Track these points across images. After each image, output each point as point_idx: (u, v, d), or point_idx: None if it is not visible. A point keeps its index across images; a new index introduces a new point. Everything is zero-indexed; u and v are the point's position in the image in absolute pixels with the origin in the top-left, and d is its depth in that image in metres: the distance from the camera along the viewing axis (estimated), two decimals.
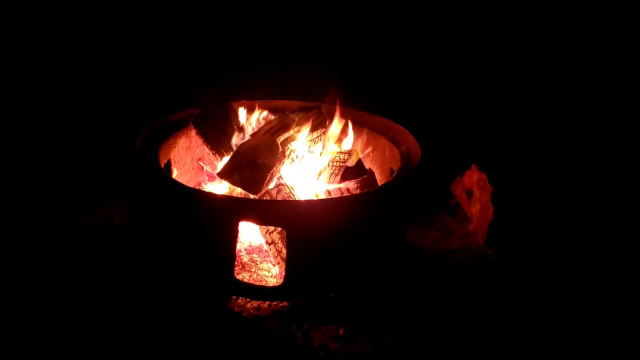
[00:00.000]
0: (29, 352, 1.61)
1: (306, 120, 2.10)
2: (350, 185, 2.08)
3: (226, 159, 2.03)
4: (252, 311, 1.81)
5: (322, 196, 2.08)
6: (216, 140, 2.11)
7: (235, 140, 2.12)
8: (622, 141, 2.74)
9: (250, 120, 2.22)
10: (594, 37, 2.91)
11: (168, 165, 2.10)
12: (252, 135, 2.07)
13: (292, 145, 2.03)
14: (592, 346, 1.71)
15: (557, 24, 2.95)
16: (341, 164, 2.05)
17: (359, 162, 2.06)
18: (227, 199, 1.88)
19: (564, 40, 2.95)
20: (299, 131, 2.06)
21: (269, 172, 1.87)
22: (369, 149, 2.16)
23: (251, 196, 1.87)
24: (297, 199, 1.97)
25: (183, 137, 2.21)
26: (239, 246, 1.91)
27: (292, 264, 1.79)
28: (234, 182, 1.86)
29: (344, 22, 2.74)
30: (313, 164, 2.12)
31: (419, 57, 3.01)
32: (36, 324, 1.70)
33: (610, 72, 2.94)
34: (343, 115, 2.14)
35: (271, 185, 1.94)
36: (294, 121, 2.07)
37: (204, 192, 1.99)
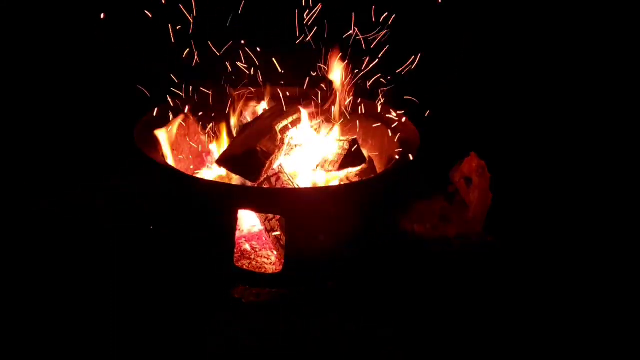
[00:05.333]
0: (29, 329, 1.63)
1: (305, 107, 2.09)
2: (349, 172, 2.07)
3: (225, 146, 2.02)
4: (251, 298, 1.82)
5: (321, 184, 2.08)
6: (214, 127, 2.10)
7: (234, 127, 2.12)
8: (619, 128, 2.73)
9: (249, 107, 2.21)
10: (590, 27, 2.90)
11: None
12: (251, 122, 2.06)
13: (291, 133, 2.03)
14: (591, 332, 1.72)
15: (554, 16, 2.93)
16: (341, 151, 2.04)
17: (359, 150, 2.06)
18: (226, 187, 1.88)
19: (561, 30, 2.94)
20: (298, 118, 2.06)
21: (267, 160, 1.86)
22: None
23: (250, 184, 1.87)
24: (296, 186, 1.97)
25: (182, 124, 2.19)
26: (238, 234, 1.91)
27: (291, 251, 1.80)
28: (232, 170, 1.86)
29: (345, 11, 2.71)
30: (312, 151, 2.11)
31: (418, 45, 2.99)
32: (34, 305, 1.71)
33: (606, 61, 2.93)
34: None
35: (270, 173, 1.94)
36: (292, 108, 2.06)
37: (203, 179, 1.99)
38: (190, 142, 2.25)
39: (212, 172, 2.17)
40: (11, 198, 2.18)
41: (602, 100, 2.85)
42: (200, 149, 2.30)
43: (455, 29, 2.93)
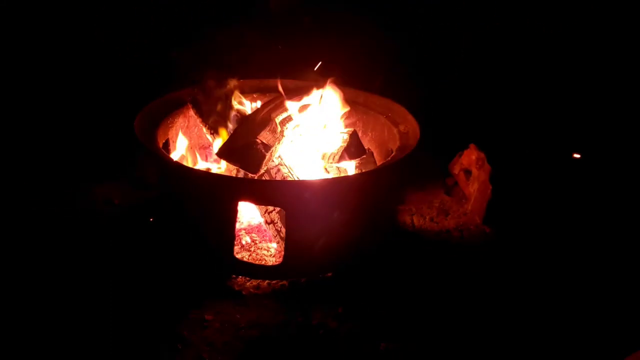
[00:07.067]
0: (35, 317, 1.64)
1: (305, 99, 2.09)
2: (349, 165, 2.08)
3: (225, 138, 2.02)
4: (251, 290, 1.83)
5: (321, 176, 2.08)
6: (214, 119, 2.10)
7: (234, 119, 2.11)
8: (620, 118, 2.74)
9: (249, 99, 2.21)
10: (589, 16, 2.90)
11: (166, 144, 2.10)
12: (251, 114, 2.06)
13: (291, 125, 2.03)
14: (589, 322, 1.74)
15: (552, 11, 2.94)
16: (340, 143, 2.04)
17: (358, 142, 2.06)
18: (226, 179, 1.88)
19: (561, 22, 2.94)
20: (297, 110, 2.05)
21: (267, 152, 1.87)
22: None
23: (250, 176, 1.87)
24: (295, 178, 1.98)
25: (181, 116, 2.19)
26: (238, 226, 1.92)
27: (290, 243, 1.80)
28: (232, 162, 1.86)
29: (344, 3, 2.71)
30: (312, 143, 2.11)
31: (419, 37, 2.99)
32: (39, 299, 1.72)
33: (605, 50, 2.93)
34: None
35: (270, 165, 1.94)
36: (292, 100, 2.06)
37: (203, 171, 1.99)
38: (190, 134, 2.26)
39: (212, 165, 2.18)
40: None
41: (601, 94, 2.85)
42: (200, 141, 2.30)
43: (456, 29, 2.94)
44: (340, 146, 2.03)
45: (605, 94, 2.85)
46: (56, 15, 2.85)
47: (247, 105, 2.20)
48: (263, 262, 1.94)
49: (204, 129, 2.13)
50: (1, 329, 1.61)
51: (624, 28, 2.89)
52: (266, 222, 1.95)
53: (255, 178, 1.87)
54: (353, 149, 2.03)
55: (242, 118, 2.09)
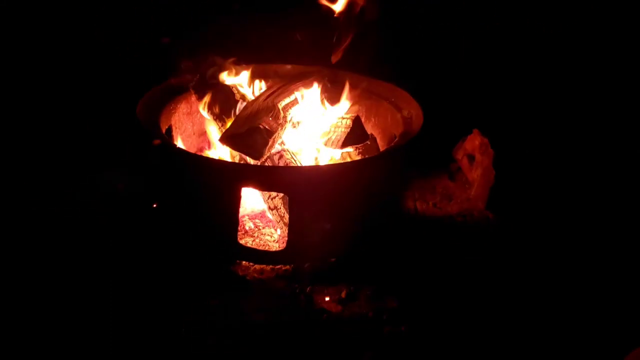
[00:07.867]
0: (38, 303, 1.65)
1: (307, 84, 2.08)
2: (352, 150, 2.07)
3: (227, 124, 2.02)
4: (255, 275, 1.84)
5: (324, 162, 2.08)
6: (217, 105, 2.09)
7: (236, 105, 2.11)
8: (623, 106, 2.72)
9: (251, 85, 2.20)
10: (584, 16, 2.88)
11: (169, 131, 2.10)
12: (253, 100, 2.06)
13: (294, 111, 2.02)
14: (590, 307, 1.74)
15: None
16: (343, 129, 2.04)
17: (361, 128, 2.06)
18: (229, 165, 1.88)
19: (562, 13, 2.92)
20: (300, 96, 2.05)
21: (270, 138, 1.86)
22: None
23: (253, 162, 1.87)
24: (298, 164, 1.98)
25: (184, 102, 2.19)
26: (241, 211, 1.92)
27: (294, 229, 1.81)
28: (235, 148, 1.86)
29: None
30: (315, 129, 2.11)
31: (421, 20, 2.96)
32: (41, 285, 1.74)
33: (610, 35, 2.90)
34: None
35: (273, 151, 1.94)
36: (295, 86, 2.05)
37: (206, 157, 1.99)
38: (193, 120, 2.25)
39: (215, 151, 2.18)
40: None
41: (605, 83, 2.83)
42: (203, 127, 2.30)
43: (458, 16, 2.91)
44: (343, 131, 2.02)
45: (608, 81, 2.83)
46: (56, 13, 2.83)
47: (249, 91, 2.20)
48: (267, 248, 1.95)
49: (207, 115, 2.13)
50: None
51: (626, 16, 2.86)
52: (269, 207, 1.95)
53: (259, 164, 1.87)
54: (356, 134, 2.02)
55: (245, 104, 2.09)
